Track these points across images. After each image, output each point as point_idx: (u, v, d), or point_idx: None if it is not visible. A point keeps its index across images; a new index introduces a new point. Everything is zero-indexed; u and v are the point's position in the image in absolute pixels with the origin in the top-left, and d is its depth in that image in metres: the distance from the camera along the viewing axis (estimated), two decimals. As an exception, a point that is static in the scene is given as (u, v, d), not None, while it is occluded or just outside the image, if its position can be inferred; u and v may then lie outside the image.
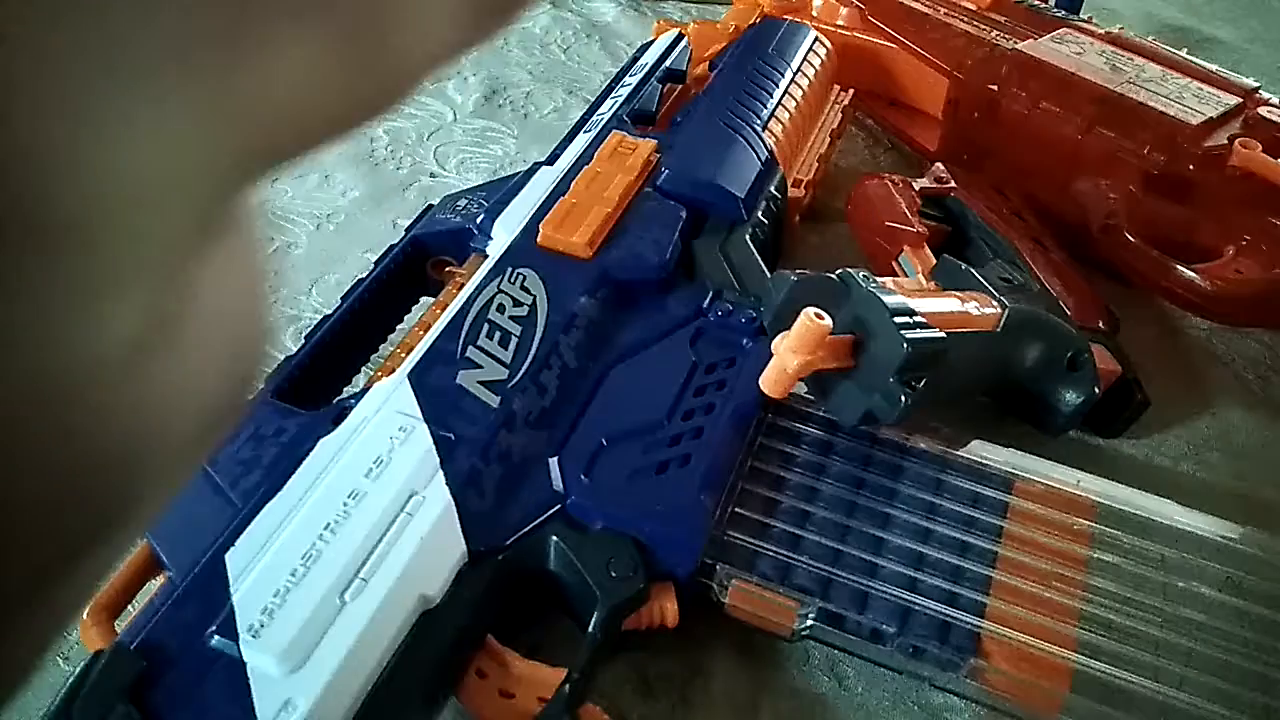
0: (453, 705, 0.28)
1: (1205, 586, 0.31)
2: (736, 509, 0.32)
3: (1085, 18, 0.57)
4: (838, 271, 0.33)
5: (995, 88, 0.50)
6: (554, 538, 0.30)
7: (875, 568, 0.31)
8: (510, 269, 0.37)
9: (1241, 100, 0.47)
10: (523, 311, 0.35)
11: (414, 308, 0.41)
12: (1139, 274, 0.46)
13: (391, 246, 0.40)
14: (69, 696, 0.24)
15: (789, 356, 0.30)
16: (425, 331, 0.35)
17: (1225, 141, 0.45)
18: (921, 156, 0.56)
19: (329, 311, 0.37)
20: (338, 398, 0.34)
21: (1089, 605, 0.30)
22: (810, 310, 0.30)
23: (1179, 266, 0.44)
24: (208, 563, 0.27)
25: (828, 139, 0.51)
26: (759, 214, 0.43)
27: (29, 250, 0.08)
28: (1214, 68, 0.51)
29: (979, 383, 0.38)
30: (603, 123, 0.45)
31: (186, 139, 0.09)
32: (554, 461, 0.32)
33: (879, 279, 0.34)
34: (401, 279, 0.40)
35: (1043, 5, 0.59)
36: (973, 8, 0.57)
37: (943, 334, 0.32)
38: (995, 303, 0.37)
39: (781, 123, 0.48)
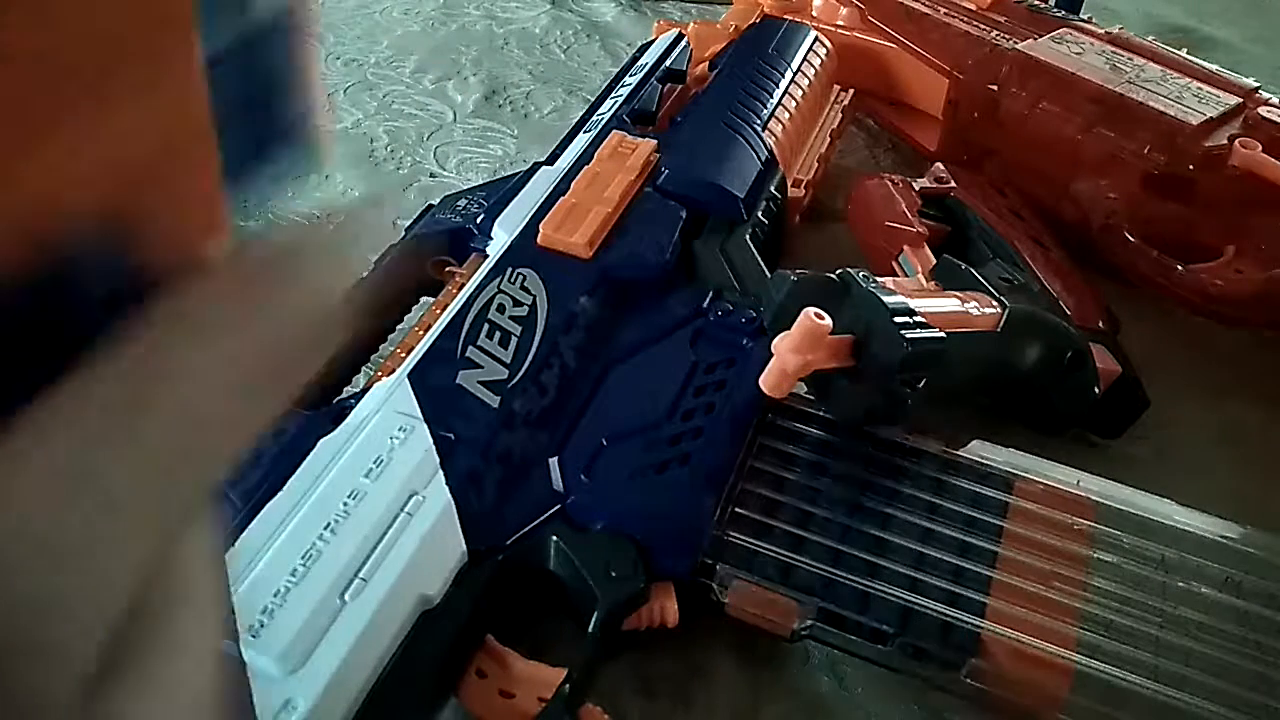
0: (453, 705, 0.28)
1: (1205, 586, 0.31)
2: (736, 509, 0.32)
3: (1085, 18, 0.57)
4: (838, 271, 0.33)
5: (995, 88, 0.50)
6: (554, 538, 0.30)
7: (875, 568, 0.31)
8: (510, 269, 0.37)
9: (1241, 100, 0.47)
10: (523, 311, 0.35)
11: (414, 308, 0.41)
12: (1139, 274, 0.46)
13: (391, 246, 0.40)
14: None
15: (789, 356, 0.30)
16: (425, 331, 0.35)
17: (1225, 141, 0.45)
18: (922, 156, 0.56)
19: (329, 311, 0.37)
20: (338, 398, 0.34)
21: (1089, 605, 0.30)
22: (810, 310, 0.30)
23: (1179, 266, 0.44)
24: (208, 563, 0.27)
25: (828, 139, 0.51)
26: (759, 214, 0.43)
27: None
28: (1214, 68, 0.51)
29: (979, 383, 0.38)
30: (603, 123, 0.45)
31: None
32: (554, 461, 0.32)
33: (879, 279, 0.34)
34: (401, 279, 0.40)
35: (1043, 5, 0.59)
36: (973, 8, 0.57)
37: (943, 334, 0.32)
38: (995, 303, 0.37)
39: (781, 123, 0.48)
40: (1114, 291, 0.45)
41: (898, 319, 0.31)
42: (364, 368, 0.39)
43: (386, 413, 0.31)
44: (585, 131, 0.46)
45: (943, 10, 0.57)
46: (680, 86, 0.52)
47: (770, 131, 0.47)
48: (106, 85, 0.11)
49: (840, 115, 0.53)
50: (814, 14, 0.61)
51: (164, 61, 0.12)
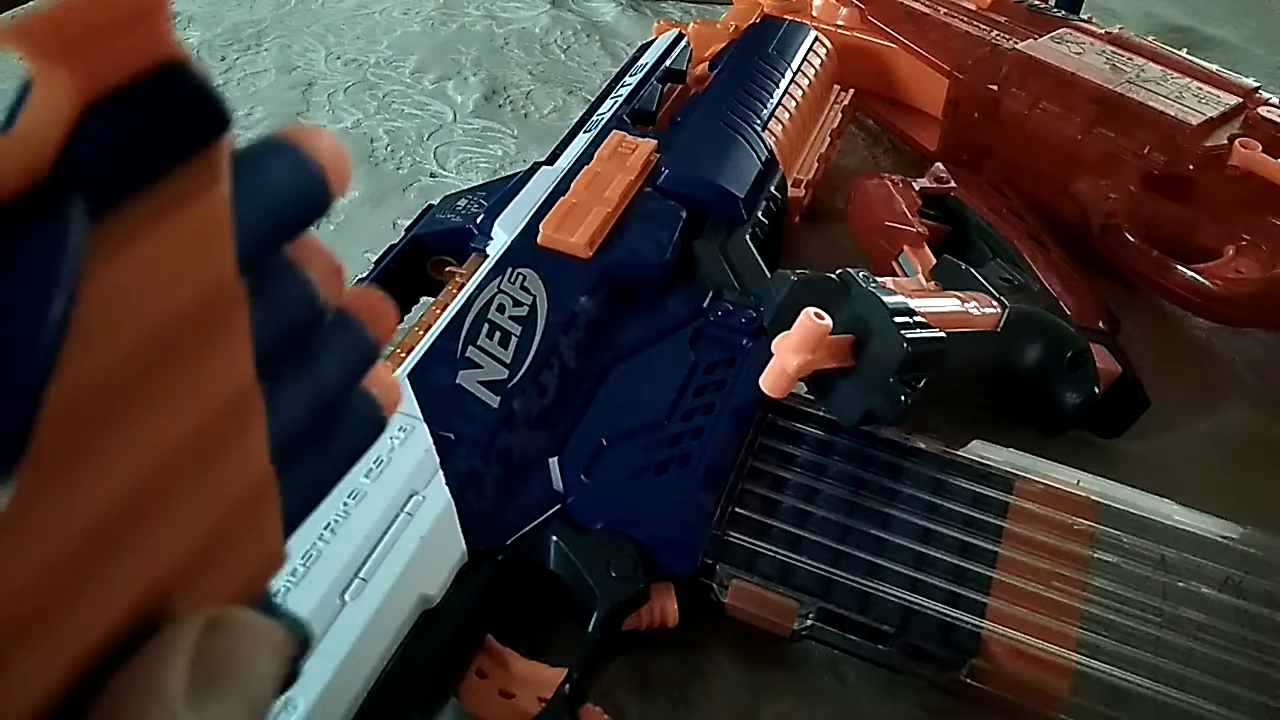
0: (453, 705, 0.28)
1: (1205, 586, 0.31)
2: (736, 509, 0.32)
3: (1085, 18, 0.57)
4: (838, 271, 0.33)
5: (995, 88, 0.50)
6: (554, 538, 0.30)
7: (875, 568, 0.31)
8: (510, 269, 0.37)
9: (1241, 100, 0.47)
10: (523, 311, 0.35)
11: (414, 308, 0.41)
12: (1139, 274, 0.46)
13: (391, 246, 0.40)
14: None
15: (789, 356, 0.30)
16: (425, 331, 0.35)
17: (1225, 141, 0.45)
18: (921, 156, 0.56)
19: (329, 311, 0.37)
20: (338, 398, 0.34)
21: (1089, 605, 0.30)
22: (810, 310, 0.30)
23: (1179, 266, 0.44)
24: (208, 563, 0.27)
25: (828, 139, 0.51)
26: (759, 214, 0.43)
27: None
28: (1214, 68, 0.51)
29: (979, 383, 0.38)
30: (603, 123, 0.45)
31: None
32: (554, 461, 0.32)
33: (879, 279, 0.34)
34: (401, 279, 0.40)
35: (1043, 5, 0.59)
36: (973, 8, 0.57)
37: (943, 334, 0.32)
38: (995, 303, 0.37)
39: (781, 123, 0.48)
40: (1114, 291, 0.45)
41: (898, 319, 0.31)
42: (364, 368, 0.39)
43: (386, 413, 0.31)
44: (585, 131, 0.46)
45: (943, 10, 0.57)
46: (680, 86, 0.51)
47: (770, 131, 0.47)
48: (175, 488, 0.12)
49: (840, 115, 0.53)
50: (814, 14, 0.61)
51: (229, 446, 0.13)
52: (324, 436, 0.15)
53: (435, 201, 0.43)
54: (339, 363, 0.15)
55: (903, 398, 0.31)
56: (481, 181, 0.46)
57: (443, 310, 0.35)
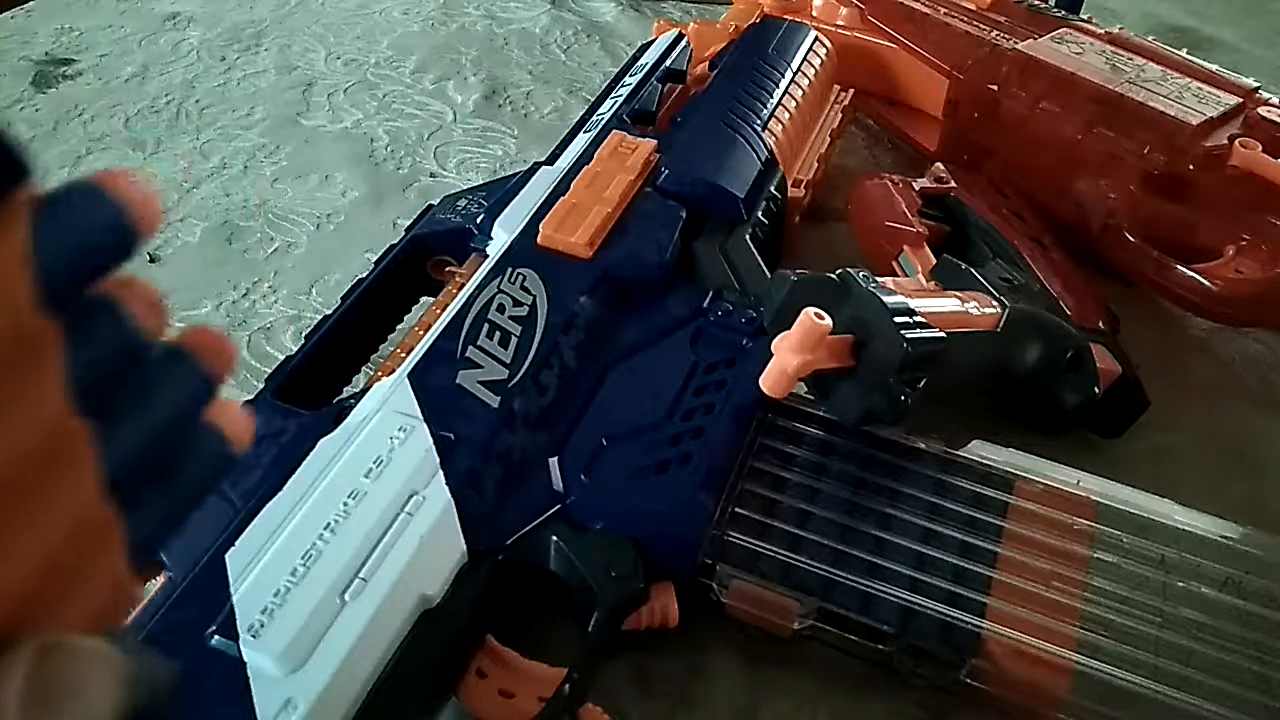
0: (453, 705, 0.28)
1: (1205, 586, 0.31)
2: (736, 509, 0.32)
3: (1085, 18, 0.57)
4: (838, 271, 0.33)
5: (995, 88, 0.50)
6: (554, 538, 0.30)
7: (875, 568, 0.31)
8: (510, 269, 0.37)
9: (1241, 100, 0.47)
10: (523, 311, 0.35)
11: (414, 308, 0.41)
12: (1139, 274, 0.46)
13: (391, 246, 0.40)
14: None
15: (789, 356, 0.30)
16: (425, 331, 0.35)
17: (1225, 141, 0.45)
18: (922, 156, 0.56)
19: (329, 311, 0.37)
20: (338, 398, 0.34)
21: (1089, 605, 0.30)
22: (810, 310, 0.30)
23: (1179, 266, 0.44)
24: (208, 562, 0.27)
25: (828, 139, 0.51)
26: (759, 214, 0.43)
27: None
28: (1214, 68, 0.51)
29: (979, 383, 0.38)
30: (603, 123, 0.45)
31: None
32: (554, 461, 0.32)
33: (879, 279, 0.34)
34: (401, 279, 0.40)
35: (1043, 5, 0.59)
36: (973, 8, 0.57)
37: (943, 334, 0.32)
38: (995, 303, 0.37)
39: (781, 123, 0.48)
40: (1114, 291, 0.45)
41: (898, 319, 0.31)
42: (364, 368, 0.39)
43: (386, 413, 0.31)
44: (585, 131, 0.46)
45: (943, 10, 0.57)
46: (680, 86, 0.52)
47: (770, 131, 0.47)
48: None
49: (840, 115, 0.53)
50: (814, 14, 0.61)
51: (54, 480, 0.13)
52: (167, 471, 0.15)
53: (435, 201, 0.43)
54: (174, 397, 0.15)
55: (903, 398, 0.31)
56: (481, 181, 0.46)
57: (443, 310, 0.35)
